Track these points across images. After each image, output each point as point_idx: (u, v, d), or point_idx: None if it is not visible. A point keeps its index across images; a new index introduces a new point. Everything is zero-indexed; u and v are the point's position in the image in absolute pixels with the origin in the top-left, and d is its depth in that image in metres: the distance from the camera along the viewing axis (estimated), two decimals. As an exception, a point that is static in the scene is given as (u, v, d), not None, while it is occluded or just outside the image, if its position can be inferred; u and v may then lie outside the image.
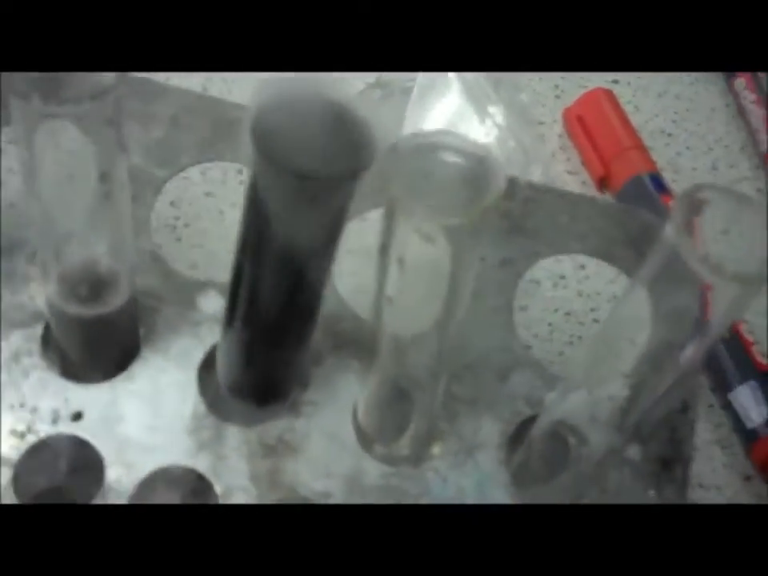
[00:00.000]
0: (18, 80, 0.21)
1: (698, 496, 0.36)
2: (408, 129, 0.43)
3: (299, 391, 0.29)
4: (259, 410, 0.28)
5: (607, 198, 0.44)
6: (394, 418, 0.28)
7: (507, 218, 0.31)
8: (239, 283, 0.26)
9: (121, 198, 0.25)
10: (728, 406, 0.38)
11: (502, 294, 0.30)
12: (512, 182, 0.32)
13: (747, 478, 0.37)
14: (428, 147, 0.22)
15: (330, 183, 0.22)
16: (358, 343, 0.28)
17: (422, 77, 0.46)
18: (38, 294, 0.29)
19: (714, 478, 0.37)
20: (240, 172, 0.39)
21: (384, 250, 0.23)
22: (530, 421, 0.28)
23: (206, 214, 0.41)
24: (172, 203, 0.41)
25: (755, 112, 0.47)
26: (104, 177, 0.25)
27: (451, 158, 0.22)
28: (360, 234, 0.30)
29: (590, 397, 0.27)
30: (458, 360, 0.29)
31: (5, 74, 0.21)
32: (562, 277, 0.41)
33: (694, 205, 0.22)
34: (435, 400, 0.28)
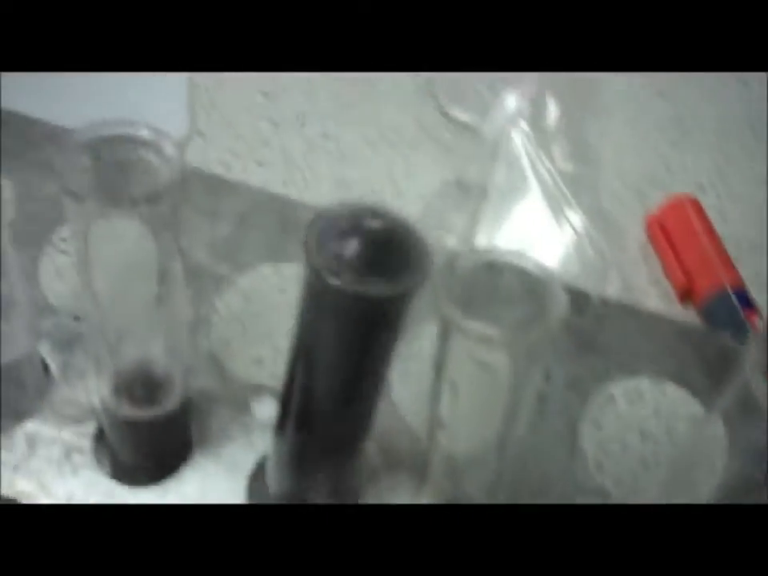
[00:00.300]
0: (72, 181, 0.21)
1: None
2: (482, 231, 0.43)
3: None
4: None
5: (690, 312, 0.42)
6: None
7: (577, 335, 0.30)
8: (292, 389, 0.25)
9: (177, 298, 0.25)
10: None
11: (568, 416, 0.29)
12: (584, 297, 0.31)
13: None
14: (485, 266, 0.21)
15: (381, 302, 0.21)
16: (413, 461, 0.27)
17: (499, 177, 0.45)
18: (93, 390, 0.29)
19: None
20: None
21: (437, 369, 0.22)
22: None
23: (275, 309, 0.41)
24: (244, 296, 0.41)
25: None
26: (161, 276, 0.24)
27: (510, 277, 0.21)
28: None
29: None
30: (520, 485, 0.28)
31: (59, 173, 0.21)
32: (639, 393, 0.39)
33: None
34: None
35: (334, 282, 0.20)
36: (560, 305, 0.21)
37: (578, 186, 0.47)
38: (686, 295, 0.42)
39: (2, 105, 0.36)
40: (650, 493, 0.25)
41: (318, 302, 0.22)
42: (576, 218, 0.43)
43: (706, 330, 0.33)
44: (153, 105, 0.44)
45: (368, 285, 0.20)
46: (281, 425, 0.26)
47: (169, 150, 0.22)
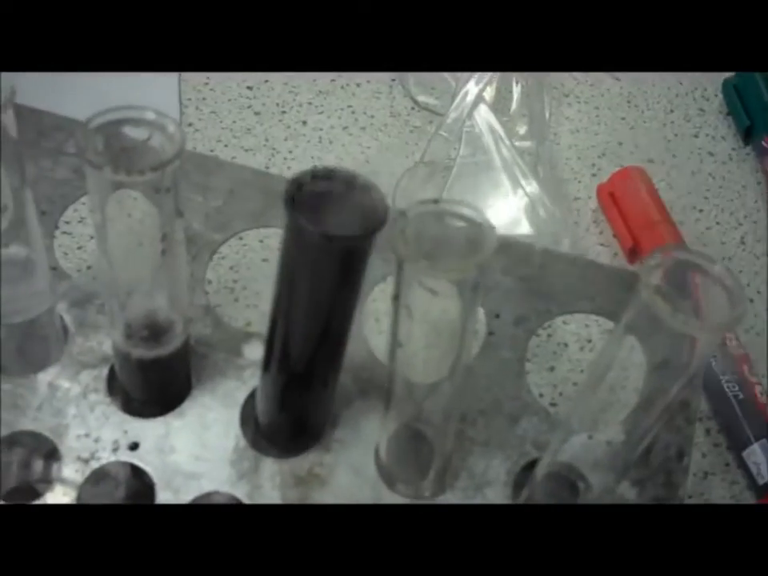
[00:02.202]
0: (92, 154, 0.25)
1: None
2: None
3: (329, 429, 0.32)
4: (293, 445, 0.32)
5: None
6: (410, 457, 0.31)
7: (523, 281, 0.35)
8: (274, 334, 0.29)
9: (178, 255, 0.29)
10: (742, 464, 0.40)
11: (516, 349, 0.34)
12: (530, 248, 0.36)
13: (758, 532, 0.39)
14: (433, 213, 0.26)
15: (348, 243, 0.25)
16: (382, 389, 0.32)
17: (463, 155, 0.50)
18: (106, 340, 0.34)
19: (727, 531, 0.39)
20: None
21: (395, 297, 0.26)
22: (535, 462, 0.31)
23: (262, 278, 0.45)
24: (232, 268, 0.46)
25: (783, 189, 0.50)
26: (164, 237, 0.29)
27: (452, 222, 0.26)
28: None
29: (590, 441, 0.30)
30: (473, 406, 0.32)
31: (81, 149, 0.25)
32: (589, 340, 0.44)
33: (665, 266, 0.25)
34: (448, 441, 0.31)
35: (309, 227, 0.25)
36: (491, 241, 0.25)
37: (536, 160, 0.51)
38: (632, 254, 0.47)
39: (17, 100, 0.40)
40: (582, 406, 0.29)
41: (296, 246, 0.26)
42: (532, 188, 0.48)
43: (632, 272, 0.38)
44: (147, 100, 0.48)
45: (338, 228, 0.25)
46: (265, 365, 0.31)
47: (171, 127, 0.26)
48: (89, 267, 0.44)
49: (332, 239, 0.25)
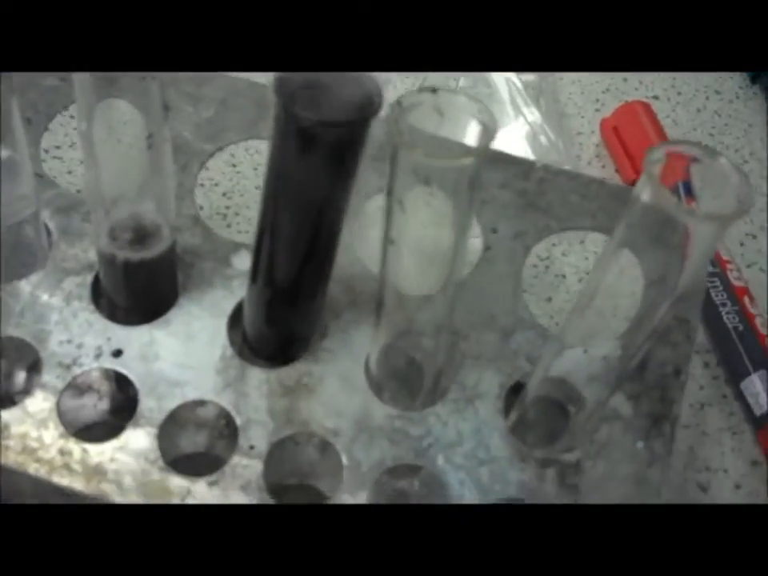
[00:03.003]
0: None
1: (705, 478, 0.38)
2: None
3: (318, 340, 0.31)
4: (281, 356, 0.31)
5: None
6: (400, 368, 0.30)
7: (522, 196, 0.34)
8: (261, 242, 0.28)
9: (164, 155, 0.28)
10: (740, 396, 0.39)
11: (512, 263, 0.33)
12: (529, 164, 0.35)
13: (754, 463, 0.38)
14: (431, 103, 0.25)
15: (341, 129, 0.24)
16: (373, 301, 0.31)
17: (464, 81, 0.48)
18: (90, 248, 0.33)
19: (723, 462, 0.38)
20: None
21: (389, 190, 0.25)
22: (529, 376, 0.30)
23: (254, 205, 0.44)
24: (224, 194, 0.45)
25: (790, 127, 0.49)
26: (150, 138, 0.28)
27: (452, 113, 0.25)
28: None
29: (585, 355, 0.29)
30: (466, 319, 0.31)
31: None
32: (587, 272, 0.43)
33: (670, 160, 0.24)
34: (440, 355, 0.30)
35: (300, 112, 0.24)
36: (490, 134, 0.24)
37: (538, 93, 0.50)
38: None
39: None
40: (576, 326, 0.28)
41: (285, 136, 0.25)
42: (534, 117, 0.47)
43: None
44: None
45: (328, 113, 0.24)
46: (253, 275, 0.30)
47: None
48: (69, 172, 0.43)
49: (324, 125, 0.24)
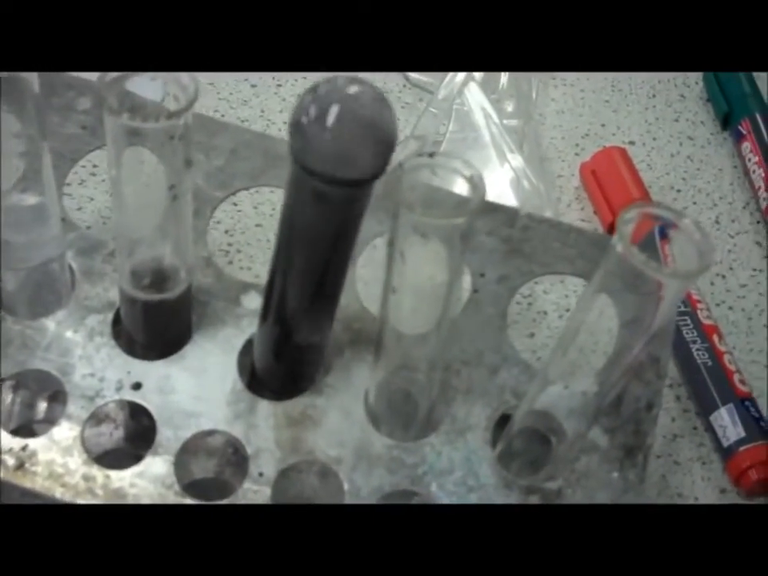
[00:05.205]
0: (111, 100, 0.27)
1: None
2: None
3: (322, 376, 0.34)
4: (287, 390, 0.34)
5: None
6: (397, 403, 0.33)
7: (507, 243, 0.37)
8: (272, 286, 0.31)
9: (185, 205, 0.31)
10: (710, 428, 0.43)
11: (498, 305, 0.36)
12: (513, 212, 0.38)
13: (723, 491, 0.41)
14: (428, 165, 0.28)
15: (349, 185, 0.27)
16: (372, 340, 0.34)
17: (453, 131, 0.52)
18: (111, 287, 0.35)
19: (693, 490, 0.41)
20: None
21: (391, 243, 0.28)
22: (514, 409, 0.33)
23: (255, 243, 0.47)
24: (227, 232, 0.48)
25: (757, 171, 0.52)
26: (172, 188, 0.30)
27: (446, 175, 0.28)
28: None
29: (566, 391, 0.32)
30: (457, 356, 0.34)
31: (100, 97, 0.27)
32: (567, 309, 0.46)
33: (641, 220, 0.27)
34: (433, 389, 0.33)
35: (314, 169, 0.26)
36: (481, 194, 0.27)
37: (521, 138, 0.53)
38: (612, 231, 0.49)
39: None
40: (558, 364, 0.31)
41: (299, 190, 0.28)
42: (517, 162, 0.50)
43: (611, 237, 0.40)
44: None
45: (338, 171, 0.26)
46: (263, 315, 0.33)
47: (185, 78, 0.28)
48: (79, 209, 0.46)
49: (337, 183, 0.27)
